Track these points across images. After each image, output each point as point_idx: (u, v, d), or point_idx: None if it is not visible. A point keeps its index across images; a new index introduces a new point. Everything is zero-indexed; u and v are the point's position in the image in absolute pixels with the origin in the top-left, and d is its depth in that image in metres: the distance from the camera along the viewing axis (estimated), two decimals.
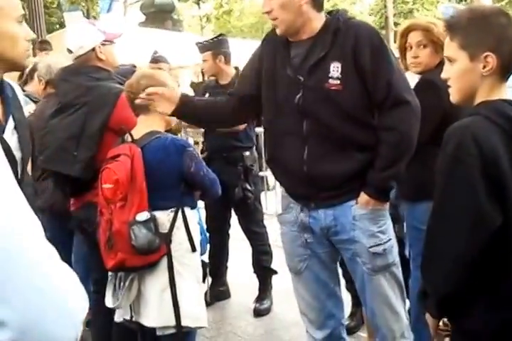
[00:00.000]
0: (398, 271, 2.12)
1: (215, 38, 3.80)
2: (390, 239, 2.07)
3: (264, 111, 2.18)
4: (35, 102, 3.45)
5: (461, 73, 1.46)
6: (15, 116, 1.54)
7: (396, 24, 18.50)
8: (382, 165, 1.99)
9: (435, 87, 2.10)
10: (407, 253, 2.65)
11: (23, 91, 3.80)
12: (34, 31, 7.92)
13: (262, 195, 3.92)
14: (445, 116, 1.92)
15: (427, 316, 1.51)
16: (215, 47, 3.65)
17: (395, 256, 2.09)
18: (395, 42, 2.61)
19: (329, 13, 2.10)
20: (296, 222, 2.13)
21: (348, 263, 2.14)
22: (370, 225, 2.02)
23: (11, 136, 1.52)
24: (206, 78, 10.32)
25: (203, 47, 3.69)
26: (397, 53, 2.49)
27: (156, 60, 4.11)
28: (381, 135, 2.01)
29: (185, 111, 2.20)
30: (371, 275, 2.05)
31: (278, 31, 2.05)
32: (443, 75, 1.51)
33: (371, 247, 2.02)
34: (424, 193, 1.97)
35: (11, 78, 2.95)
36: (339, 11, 2.09)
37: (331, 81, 1.96)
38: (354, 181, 2.02)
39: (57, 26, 19.71)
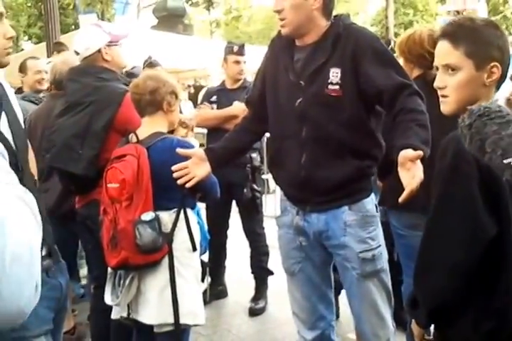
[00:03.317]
0: (387, 277, 2.13)
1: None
2: (379, 246, 2.08)
3: (269, 115, 2.17)
4: (34, 103, 3.50)
5: (464, 82, 1.42)
6: (7, 113, 1.53)
7: (396, 35, 18.70)
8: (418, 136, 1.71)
9: None
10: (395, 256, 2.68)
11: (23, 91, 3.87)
12: (49, 32, 8.05)
13: (262, 197, 3.98)
14: None
15: (413, 325, 1.51)
16: None
17: (383, 262, 2.10)
18: (394, 52, 2.67)
19: (334, 17, 2.09)
20: (291, 225, 2.15)
21: (339, 267, 2.16)
22: (360, 231, 2.04)
23: (7, 132, 1.52)
24: (213, 82, 10.42)
25: (245, 50, 3.81)
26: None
27: (152, 64, 4.19)
28: (406, 116, 1.83)
29: (219, 161, 2.23)
30: (360, 280, 2.07)
31: (283, 31, 2.04)
32: (438, 84, 1.47)
33: (361, 253, 2.03)
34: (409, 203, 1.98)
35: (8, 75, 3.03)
36: (341, 16, 2.08)
37: (330, 86, 1.96)
38: (349, 187, 2.02)
39: (73, 27, 19.96)
